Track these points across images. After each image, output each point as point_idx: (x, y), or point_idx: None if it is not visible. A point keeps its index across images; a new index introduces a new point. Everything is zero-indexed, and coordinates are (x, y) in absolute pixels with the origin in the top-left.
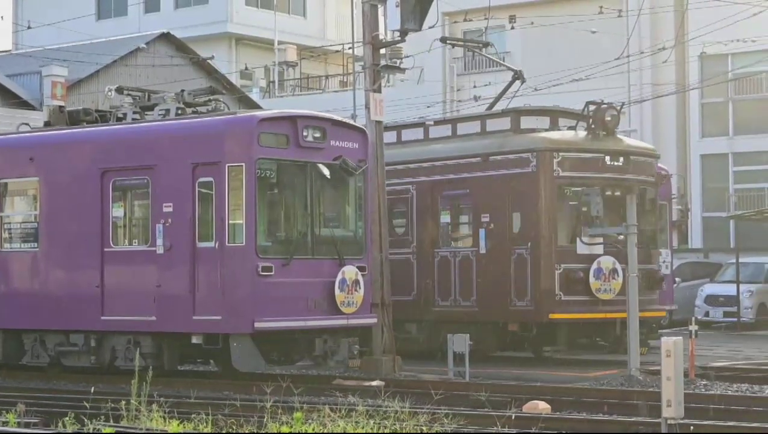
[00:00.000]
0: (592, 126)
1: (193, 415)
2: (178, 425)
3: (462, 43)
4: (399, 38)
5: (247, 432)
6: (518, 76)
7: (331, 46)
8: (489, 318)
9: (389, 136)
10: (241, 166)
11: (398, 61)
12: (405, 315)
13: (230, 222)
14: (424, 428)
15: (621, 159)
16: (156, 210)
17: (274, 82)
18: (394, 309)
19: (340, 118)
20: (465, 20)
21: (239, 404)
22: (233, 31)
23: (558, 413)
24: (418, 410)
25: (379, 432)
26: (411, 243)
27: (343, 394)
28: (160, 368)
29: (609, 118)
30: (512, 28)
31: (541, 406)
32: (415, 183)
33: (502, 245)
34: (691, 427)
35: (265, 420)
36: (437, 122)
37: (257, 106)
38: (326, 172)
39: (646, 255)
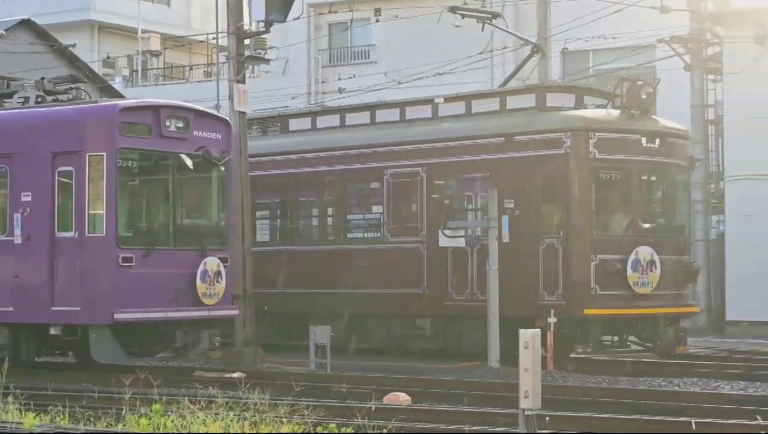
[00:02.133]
0: (626, 105)
1: (50, 408)
2: (34, 418)
3: (471, 13)
4: (263, 29)
5: (104, 424)
6: (537, 49)
7: (195, 35)
8: (513, 313)
9: (393, 114)
10: (102, 155)
11: (263, 52)
12: (413, 310)
13: (90, 212)
14: (284, 420)
15: (657, 140)
16: (14, 199)
17: (137, 71)
18: (399, 302)
19: (203, 109)
20: (330, 12)
21: (97, 396)
22: (96, 18)
23: (418, 404)
24: (278, 401)
25: (243, 431)
26: (420, 231)
27: (204, 386)
28: (16, 360)
29: (644, 96)
30: (377, 21)
31: (402, 398)
32: (425, 165)
33: (528, 234)
34: (547, 418)
35: (123, 412)
36: (448, 99)
37: (120, 96)
38: (189, 162)
39: (681, 246)
